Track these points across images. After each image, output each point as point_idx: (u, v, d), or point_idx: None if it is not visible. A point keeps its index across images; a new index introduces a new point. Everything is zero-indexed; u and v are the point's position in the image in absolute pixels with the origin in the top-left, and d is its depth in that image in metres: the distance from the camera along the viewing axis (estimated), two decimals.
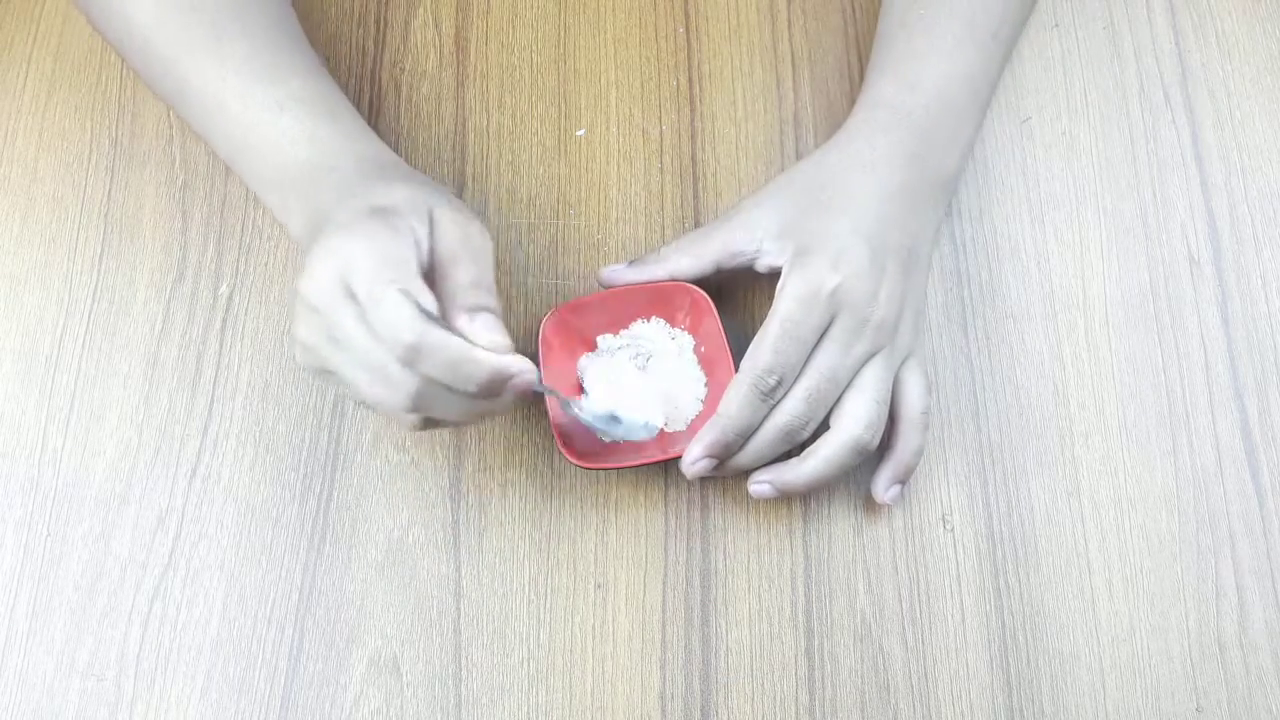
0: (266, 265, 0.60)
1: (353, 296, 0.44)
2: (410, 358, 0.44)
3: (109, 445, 0.57)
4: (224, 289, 0.59)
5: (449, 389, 0.45)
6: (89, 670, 0.53)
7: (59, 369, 0.58)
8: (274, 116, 0.52)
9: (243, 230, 0.60)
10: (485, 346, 0.45)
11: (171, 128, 0.63)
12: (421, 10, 0.65)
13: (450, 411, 0.46)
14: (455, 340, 0.44)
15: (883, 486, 0.53)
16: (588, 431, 0.55)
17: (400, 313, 0.44)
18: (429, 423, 0.47)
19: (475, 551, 0.55)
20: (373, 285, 0.44)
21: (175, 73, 0.55)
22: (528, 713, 0.52)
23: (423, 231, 0.47)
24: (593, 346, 0.57)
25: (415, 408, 0.45)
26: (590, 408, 0.53)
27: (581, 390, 0.56)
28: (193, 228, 0.61)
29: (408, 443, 0.56)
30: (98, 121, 0.63)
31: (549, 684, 0.53)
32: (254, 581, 0.54)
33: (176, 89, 0.55)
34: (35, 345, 0.59)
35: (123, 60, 0.59)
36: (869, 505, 0.55)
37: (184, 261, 0.60)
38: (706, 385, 0.56)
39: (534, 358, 0.57)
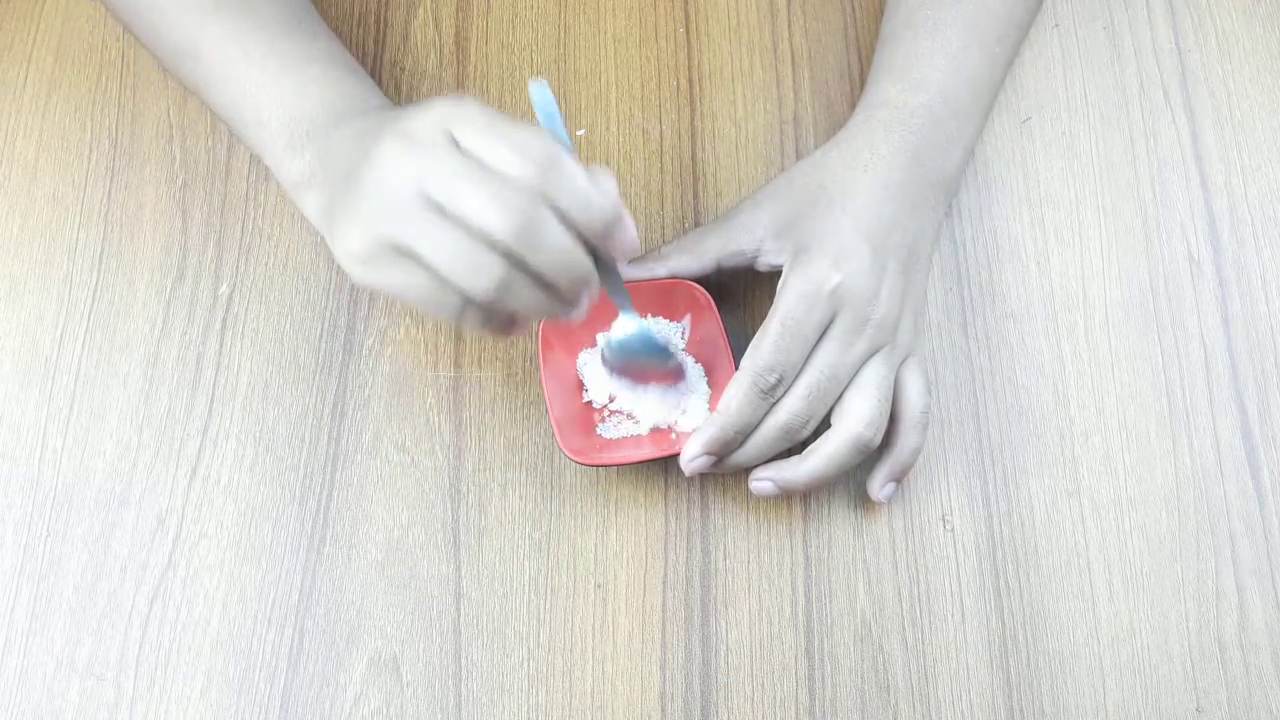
0: (266, 265, 0.60)
1: (457, 144, 0.42)
2: (543, 171, 0.41)
3: (109, 445, 0.57)
4: (224, 289, 0.59)
5: (560, 225, 0.42)
6: (89, 670, 0.53)
7: (59, 369, 0.58)
8: (301, 66, 0.53)
9: (243, 230, 0.60)
10: (604, 183, 0.44)
11: (171, 128, 0.63)
12: (421, 10, 0.65)
13: (552, 256, 0.42)
14: (583, 169, 0.43)
15: (878, 484, 0.54)
16: (586, 428, 0.55)
17: (533, 132, 0.42)
18: (511, 286, 0.43)
19: (475, 551, 0.55)
20: (490, 121, 0.43)
21: (191, 27, 0.55)
22: (528, 713, 0.52)
23: None
24: (593, 344, 0.57)
25: (525, 231, 0.41)
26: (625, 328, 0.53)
27: (582, 388, 0.56)
28: (193, 228, 0.61)
29: (408, 442, 0.56)
30: (98, 121, 0.63)
31: (549, 684, 0.53)
32: (254, 581, 0.54)
33: (189, 44, 0.55)
34: (35, 345, 0.59)
35: (122, 20, 0.58)
36: (869, 505, 0.55)
37: (184, 261, 0.60)
38: (707, 382, 0.56)
39: (534, 355, 0.57)
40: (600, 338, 0.55)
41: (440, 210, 0.42)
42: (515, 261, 0.42)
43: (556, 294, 0.44)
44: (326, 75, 0.53)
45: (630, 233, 0.44)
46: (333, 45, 0.56)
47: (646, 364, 0.54)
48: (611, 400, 0.56)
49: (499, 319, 0.45)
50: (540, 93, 0.43)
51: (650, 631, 0.53)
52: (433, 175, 0.42)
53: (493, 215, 0.41)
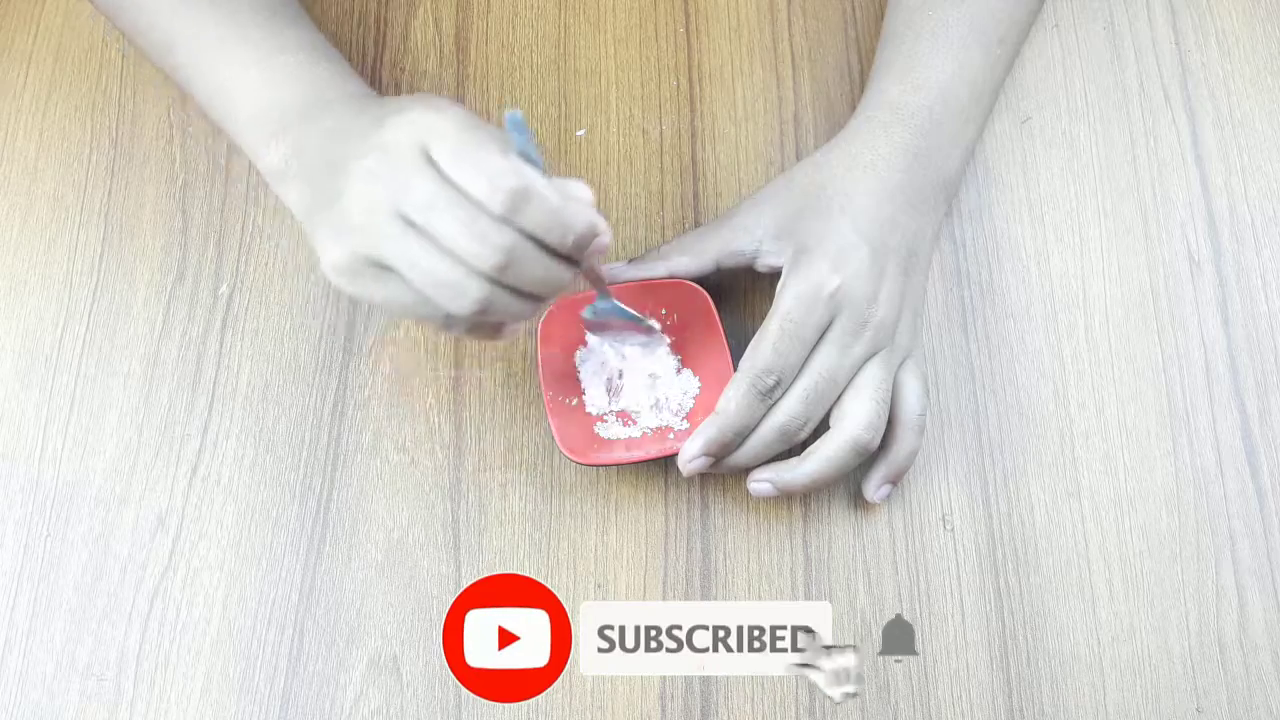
0: (266, 265, 0.60)
1: (433, 164, 0.43)
2: (514, 203, 0.42)
3: (109, 445, 0.57)
4: (224, 289, 0.59)
5: (537, 248, 0.44)
6: (89, 670, 0.53)
7: (59, 369, 0.58)
8: (271, 56, 0.53)
9: (243, 230, 0.60)
10: (578, 196, 0.45)
11: (171, 128, 0.63)
12: (421, 10, 0.65)
13: (532, 277, 0.44)
14: (553, 189, 0.44)
15: (874, 485, 0.54)
16: (585, 429, 0.55)
17: (504, 161, 0.43)
18: (493, 303, 0.44)
19: (475, 551, 0.55)
20: (463, 143, 0.43)
21: (168, 21, 0.55)
22: (528, 713, 0.52)
23: None
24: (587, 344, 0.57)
25: (504, 265, 0.43)
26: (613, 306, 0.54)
27: (581, 388, 0.56)
28: (193, 228, 0.61)
29: (408, 442, 0.56)
30: (98, 121, 0.63)
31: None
32: (254, 581, 0.54)
33: (166, 38, 0.55)
34: (35, 345, 0.59)
35: (108, 16, 0.59)
36: (869, 505, 0.55)
37: (184, 261, 0.60)
38: (700, 383, 0.56)
39: (533, 355, 0.57)
40: (580, 353, 0.57)
41: (419, 231, 0.43)
42: (495, 282, 0.43)
43: (537, 300, 0.46)
44: (299, 63, 0.53)
45: (605, 238, 0.45)
46: (307, 33, 0.55)
47: (623, 322, 0.55)
48: (611, 400, 0.56)
49: (485, 327, 0.47)
50: (513, 121, 0.44)
51: None
52: (409, 199, 0.43)
53: (471, 247, 0.42)
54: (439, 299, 0.44)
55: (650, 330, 0.55)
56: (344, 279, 0.46)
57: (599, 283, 0.52)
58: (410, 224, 0.43)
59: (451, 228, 0.42)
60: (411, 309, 0.45)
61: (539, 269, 0.44)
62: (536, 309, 0.46)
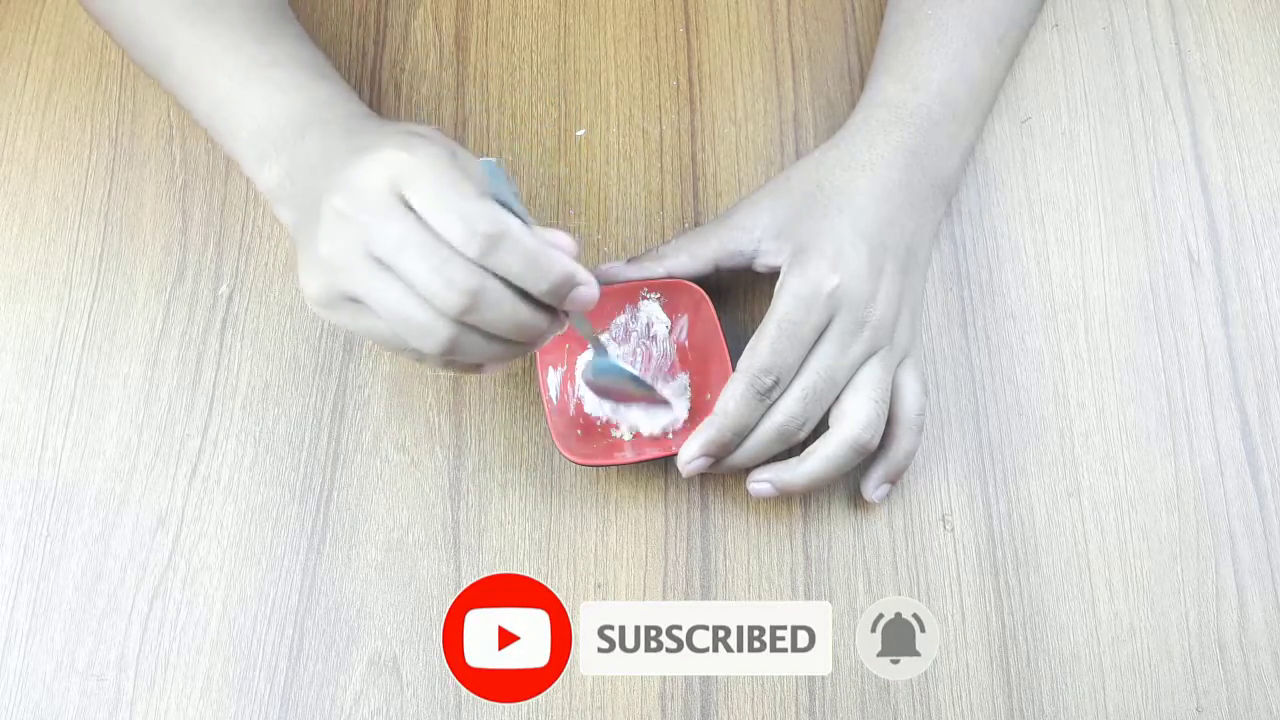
0: (266, 265, 0.60)
1: (407, 206, 0.43)
2: (487, 247, 0.42)
3: (109, 445, 0.57)
4: (224, 289, 0.59)
5: (510, 293, 0.43)
6: (89, 670, 0.53)
7: (59, 369, 0.58)
8: (267, 71, 0.52)
9: (243, 230, 0.61)
10: (559, 245, 0.44)
11: (171, 128, 0.63)
12: (421, 10, 0.65)
13: (501, 321, 0.43)
14: (531, 234, 0.43)
15: (873, 485, 0.54)
16: (585, 429, 0.55)
17: (481, 205, 0.42)
18: (461, 345, 0.44)
19: (475, 551, 0.55)
20: (439, 185, 0.42)
21: (164, 34, 0.55)
22: (528, 713, 0.52)
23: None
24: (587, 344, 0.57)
25: (470, 308, 0.42)
26: (611, 361, 0.53)
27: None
28: (193, 228, 0.61)
29: (408, 442, 0.56)
30: (98, 121, 0.63)
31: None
32: (254, 581, 0.54)
33: (163, 51, 0.55)
34: (35, 345, 0.59)
35: (106, 29, 0.59)
36: (869, 505, 0.55)
37: (184, 261, 0.60)
38: (689, 397, 0.56)
39: (533, 356, 0.57)
40: (581, 359, 0.56)
41: (389, 270, 0.43)
42: (464, 325, 0.43)
43: (512, 344, 0.45)
44: (292, 80, 0.52)
45: (587, 292, 0.44)
46: (301, 48, 0.55)
47: (627, 389, 0.54)
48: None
49: (461, 364, 0.47)
50: (489, 169, 0.44)
51: None
52: (377, 241, 0.43)
53: (438, 290, 0.42)
54: (408, 337, 0.44)
55: (654, 397, 0.54)
56: (322, 310, 0.46)
57: (591, 337, 0.51)
58: (380, 263, 0.43)
59: (419, 269, 0.42)
60: (387, 342, 0.45)
61: (509, 313, 0.43)
62: (514, 352, 0.46)
